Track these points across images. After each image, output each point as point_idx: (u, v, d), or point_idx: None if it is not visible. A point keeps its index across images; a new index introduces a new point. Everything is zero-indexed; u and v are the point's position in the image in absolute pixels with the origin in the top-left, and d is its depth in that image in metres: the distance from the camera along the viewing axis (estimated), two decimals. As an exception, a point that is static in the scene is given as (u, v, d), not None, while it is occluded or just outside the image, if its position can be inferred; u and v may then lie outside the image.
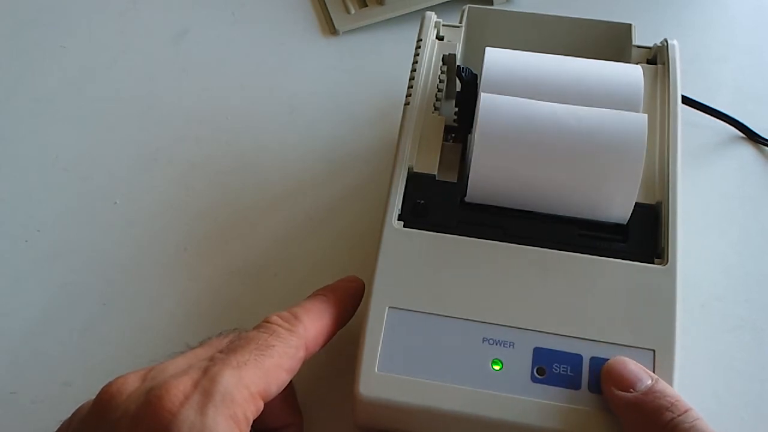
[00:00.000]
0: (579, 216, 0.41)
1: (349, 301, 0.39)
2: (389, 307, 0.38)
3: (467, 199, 0.41)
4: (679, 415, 0.33)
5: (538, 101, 0.41)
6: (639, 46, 0.48)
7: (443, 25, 0.49)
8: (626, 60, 0.48)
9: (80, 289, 0.48)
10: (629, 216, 0.40)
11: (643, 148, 0.39)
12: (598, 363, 0.37)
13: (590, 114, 0.40)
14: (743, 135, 0.55)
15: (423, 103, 0.45)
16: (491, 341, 0.37)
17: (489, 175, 0.40)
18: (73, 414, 0.34)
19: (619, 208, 0.40)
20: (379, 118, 0.56)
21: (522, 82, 0.42)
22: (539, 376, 0.37)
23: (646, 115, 0.40)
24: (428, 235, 0.40)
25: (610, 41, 0.50)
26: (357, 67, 0.59)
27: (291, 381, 0.37)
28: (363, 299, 0.40)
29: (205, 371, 0.32)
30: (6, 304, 0.47)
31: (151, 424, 0.30)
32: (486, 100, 0.41)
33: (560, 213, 0.41)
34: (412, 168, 0.42)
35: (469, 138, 0.44)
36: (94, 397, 0.33)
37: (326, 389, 0.43)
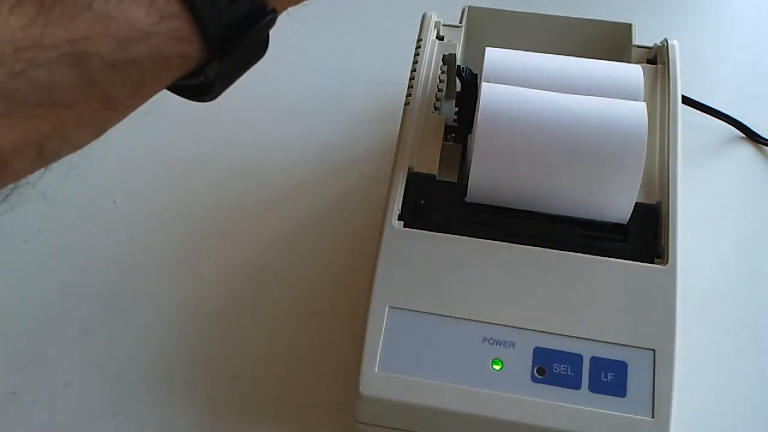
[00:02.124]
0: (579, 216, 0.41)
1: None
2: (389, 307, 0.38)
3: (467, 199, 0.41)
4: None
5: (538, 90, 0.41)
6: (639, 46, 0.48)
7: (443, 25, 0.49)
8: (626, 60, 0.48)
9: (81, 289, 0.48)
10: (629, 216, 0.40)
11: (644, 133, 0.39)
12: (598, 363, 0.37)
13: (590, 101, 0.40)
14: (743, 135, 0.55)
15: (423, 103, 0.45)
16: (491, 341, 0.37)
17: (489, 172, 0.40)
18: None
19: (619, 207, 0.40)
20: (379, 118, 0.56)
21: (522, 82, 0.42)
22: (539, 376, 0.37)
23: (644, 102, 0.40)
24: (428, 235, 0.40)
25: (610, 41, 0.50)
26: (358, 67, 0.59)
27: None
28: (363, 299, 0.40)
29: None
30: (6, 304, 0.47)
31: None
32: (487, 89, 0.41)
33: (560, 213, 0.41)
34: (412, 168, 0.42)
35: (469, 138, 0.44)
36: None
37: (326, 389, 0.43)
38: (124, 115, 0.27)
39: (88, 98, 0.25)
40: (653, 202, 0.41)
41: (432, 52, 0.48)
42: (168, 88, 0.29)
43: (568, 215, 0.41)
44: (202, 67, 0.28)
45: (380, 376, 0.37)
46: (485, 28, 0.51)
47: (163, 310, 0.47)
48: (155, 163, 0.54)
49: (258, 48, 0.29)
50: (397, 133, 0.44)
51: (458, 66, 0.45)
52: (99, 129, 0.27)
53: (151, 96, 0.27)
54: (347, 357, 0.40)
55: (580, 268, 0.39)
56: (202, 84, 0.29)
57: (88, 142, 0.27)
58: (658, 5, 0.63)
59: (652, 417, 0.36)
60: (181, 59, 0.27)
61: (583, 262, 0.39)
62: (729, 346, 0.45)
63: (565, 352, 0.37)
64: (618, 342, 0.37)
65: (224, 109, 0.56)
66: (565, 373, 0.37)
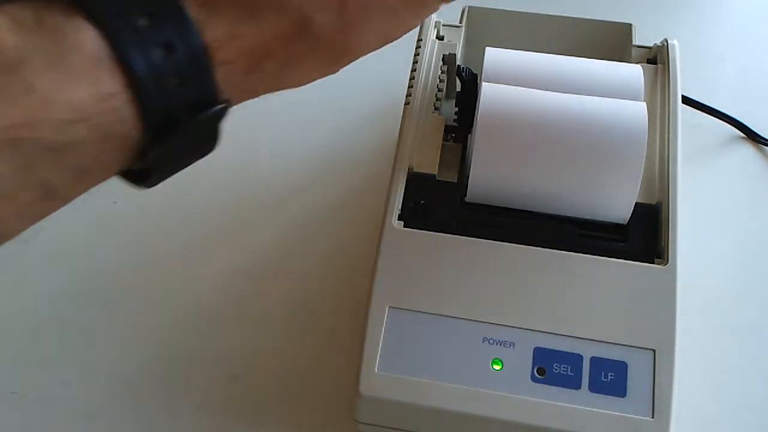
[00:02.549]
0: (579, 216, 0.41)
1: None
2: (389, 307, 0.38)
3: (467, 198, 0.41)
4: None
5: (538, 90, 0.41)
6: (639, 46, 0.48)
7: (443, 25, 0.49)
8: (626, 60, 0.48)
9: (80, 289, 0.48)
10: (629, 216, 0.40)
11: (644, 133, 0.39)
12: (598, 363, 0.37)
13: (590, 101, 0.40)
14: (743, 135, 0.55)
15: (423, 103, 0.45)
16: (491, 341, 0.37)
17: (489, 172, 0.40)
18: None
19: (619, 207, 0.40)
20: (379, 118, 0.56)
21: (522, 82, 0.42)
22: (539, 376, 0.37)
23: (644, 102, 0.41)
24: (428, 235, 0.40)
25: (610, 41, 0.50)
26: (357, 67, 0.59)
27: None
28: (364, 299, 0.40)
29: None
30: (6, 304, 0.47)
31: None
32: (487, 89, 0.41)
33: (560, 213, 0.41)
34: (412, 168, 0.42)
35: (469, 138, 0.44)
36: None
37: (326, 389, 0.43)
38: (61, 206, 0.27)
39: (24, 187, 0.24)
40: (653, 202, 0.41)
41: (432, 52, 0.48)
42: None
43: (568, 215, 0.41)
44: (144, 153, 0.26)
45: (380, 376, 0.37)
46: (485, 28, 0.51)
47: (163, 310, 0.47)
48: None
49: (205, 139, 0.28)
50: (397, 133, 0.44)
51: (458, 66, 0.45)
52: (34, 221, 0.26)
53: (92, 185, 0.26)
54: (347, 357, 0.40)
55: (580, 268, 0.39)
56: (140, 170, 0.28)
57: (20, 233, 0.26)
58: (658, 5, 0.63)
59: (652, 417, 0.36)
60: (120, 140, 0.25)
61: (583, 262, 0.39)
62: (729, 346, 0.45)
63: (565, 352, 0.37)
64: (618, 342, 0.37)
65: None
66: (565, 373, 0.37)
